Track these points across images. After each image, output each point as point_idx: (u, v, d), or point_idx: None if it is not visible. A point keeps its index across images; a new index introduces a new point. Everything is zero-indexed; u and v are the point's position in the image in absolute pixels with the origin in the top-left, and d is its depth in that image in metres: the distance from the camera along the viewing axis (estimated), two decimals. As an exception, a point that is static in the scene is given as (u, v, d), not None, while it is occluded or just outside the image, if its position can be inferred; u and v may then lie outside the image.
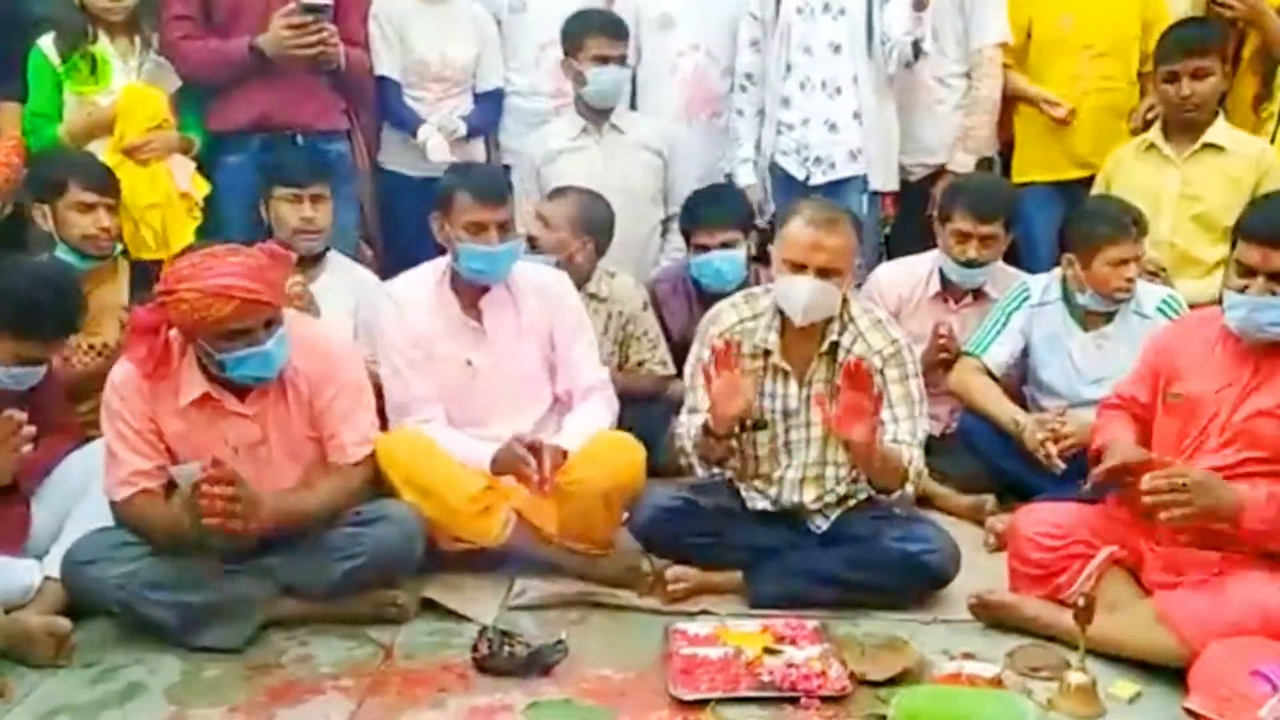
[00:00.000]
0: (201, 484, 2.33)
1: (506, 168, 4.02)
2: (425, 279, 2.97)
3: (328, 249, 3.28)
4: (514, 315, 2.95)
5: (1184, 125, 3.51)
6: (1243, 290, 2.41)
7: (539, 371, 2.97)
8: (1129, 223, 3.13)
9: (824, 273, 2.58)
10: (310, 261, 3.24)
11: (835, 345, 2.68)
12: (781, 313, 2.69)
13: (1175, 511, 2.29)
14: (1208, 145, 3.48)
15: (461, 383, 2.93)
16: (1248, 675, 1.98)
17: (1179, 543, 2.47)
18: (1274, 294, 2.37)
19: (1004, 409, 3.16)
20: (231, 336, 2.40)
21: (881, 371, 2.64)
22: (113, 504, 2.52)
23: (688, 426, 2.72)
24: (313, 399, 2.58)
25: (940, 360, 3.38)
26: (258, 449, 2.55)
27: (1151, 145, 3.56)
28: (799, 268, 2.59)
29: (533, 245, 3.28)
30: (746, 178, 3.92)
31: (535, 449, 2.66)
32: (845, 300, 2.70)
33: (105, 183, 3.03)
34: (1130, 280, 3.12)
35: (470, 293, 2.93)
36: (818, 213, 2.64)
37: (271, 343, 2.44)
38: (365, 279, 3.35)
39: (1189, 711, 2.04)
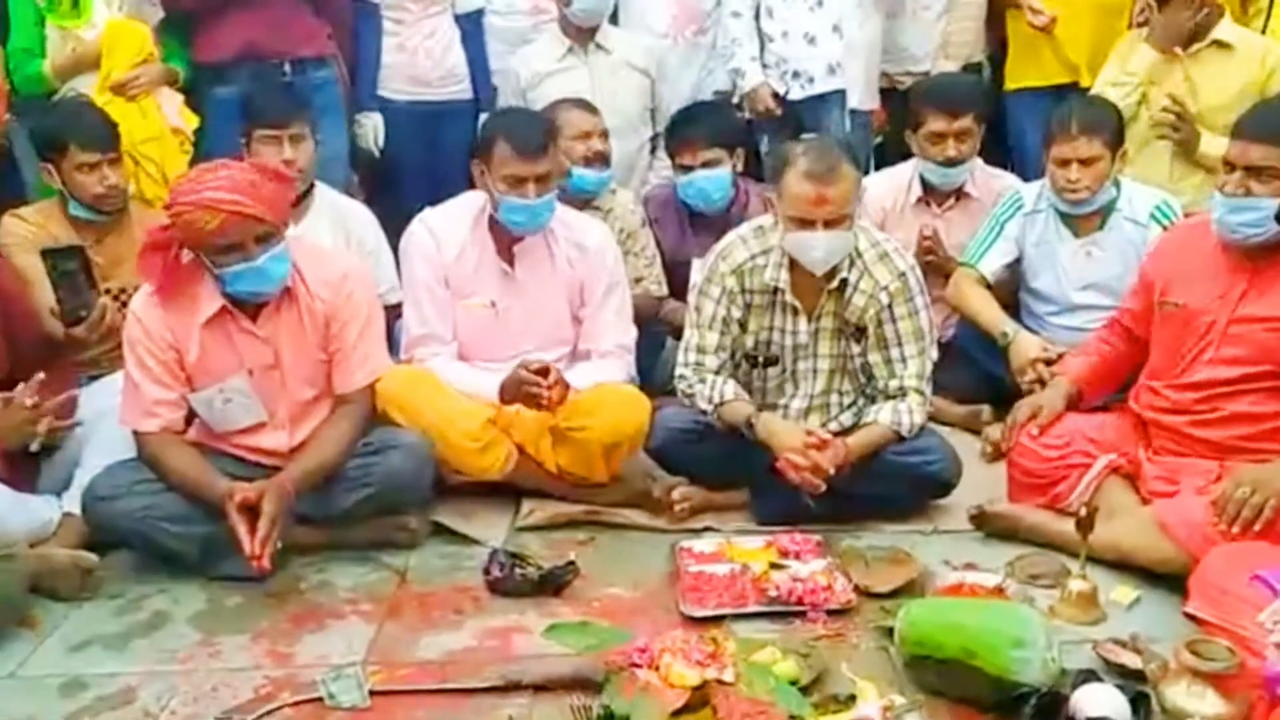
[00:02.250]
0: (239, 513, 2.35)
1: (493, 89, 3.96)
2: (463, 215, 2.94)
3: (312, 185, 3.20)
4: (548, 263, 2.93)
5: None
6: (1222, 188, 2.41)
7: (564, 321, 2.97)
8: (1066, 121, 3.10)
9: (831, 223, 2.54)
10: (295, 200, 3.14)
11: (844, 282, 2.68)
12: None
13: (1256, 516, 2.21)
14: (1215, 42, 3.44)
15: (484, 322, 2.93)
16: (1249, 580, 2.01)
17: (1176, 452, 2.52)
18: (1247, 192, 2.36)
19: (994, 321, 3.19)
20: (224, 250, 2.41)
21: (890, 307, 2.66)
22: (137, 435, 2.53)
23: (705, 389, 2.72)
24: (328, 323, 2.60)
25: (927, 263, 3.40)
26: (271, 371, 2.57)
27: None
28: (807, 224, 2.55)
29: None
30: (755, 76, 3.82)
31: (543, 371, 2.68)
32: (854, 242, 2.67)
33: (105, 138, 2.92)
34: (1073, 181, 3.08)
35: (507, 236, 2.91)
36: (815, 163, 2.52)
37: (265, 259, 2.43)
38: (355, 213, 3.29)
39: (1189, 616, 2.08)
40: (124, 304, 2.83)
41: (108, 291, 2.85)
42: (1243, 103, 3.26)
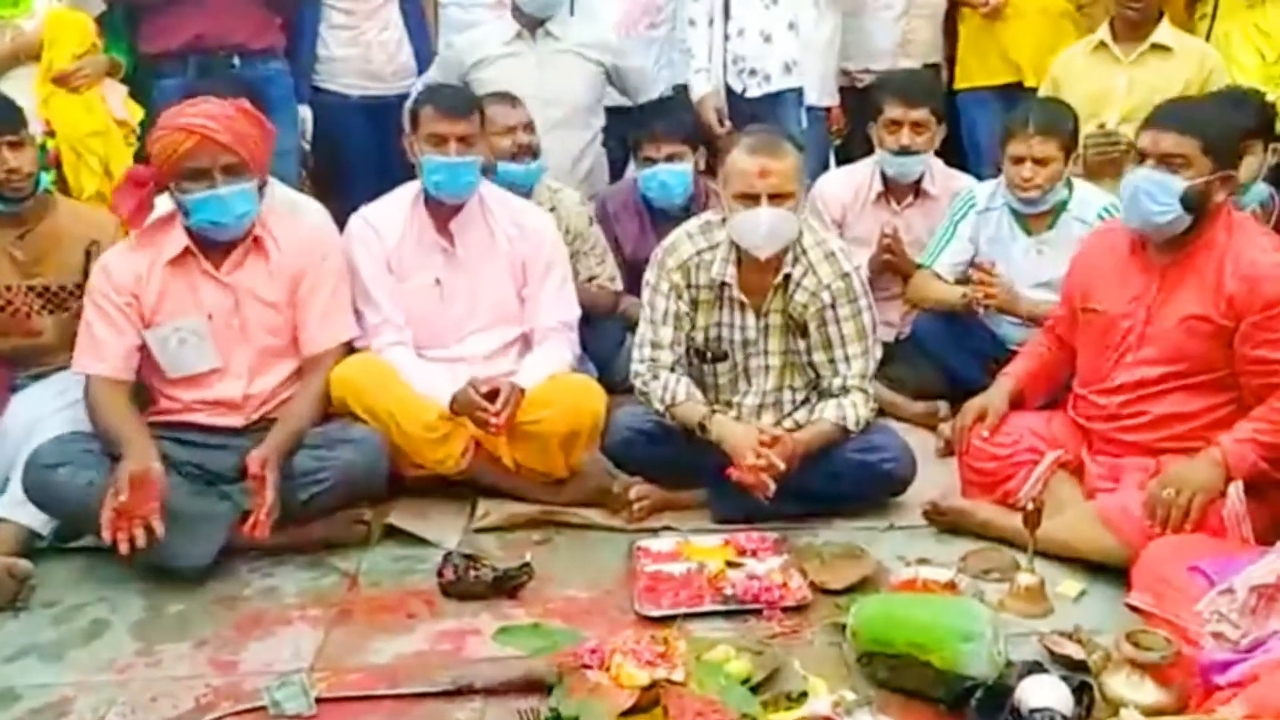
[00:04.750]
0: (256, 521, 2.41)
1: None
2: (400, 200, 2.95)
3: (265, 181, 3.15)
4: (487, 239, 2.93)
5: (1131, 26, 3.52)
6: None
7: (509, 297, 2.96)
8: (1023, 120, 3.15)
9: (776, 198, 2.56)
10: None
11: (788, 277, 2.69)
12: (737, 244, 2.67)
13: (1185, 514, 2.25)
14: (1155, 46, 3.51)
15: (429, 302, 2.91)
16: (1186, 571, 2.05)
17: (1113, 454, 2.55)
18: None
19: (952, 291, 3.28)
20: (191, 176, 2.51)
21: (833, 307, 2.68)
22: (87, 378, 2.57)
23: (658, 388, 2.70)
24: (296, 282, 2.66)
25: (887, 263, 3.42)
26: (232, 318, 2.61)
27: (1101, 44, 3.58)
28: (751, 199, 2.57)
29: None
30: (701, 88, 3.85)
31: (492, 395, 2.67)
32: (799, 230, 2.69)
33: (6, 119, 2.76)
34: (1026, 179, 3.12)
35: (442, 213, 2.91)
36: (757, 140, 2.62)
37: (229, 190, 2.53)
38: (308, 209, 3.21)
39: (1131, 606, 2.11)
40: (49, 301, 2.79)
41: (31, 289, 2.79)
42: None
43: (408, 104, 3.08)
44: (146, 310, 2.59)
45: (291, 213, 2.86)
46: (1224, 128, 2.43)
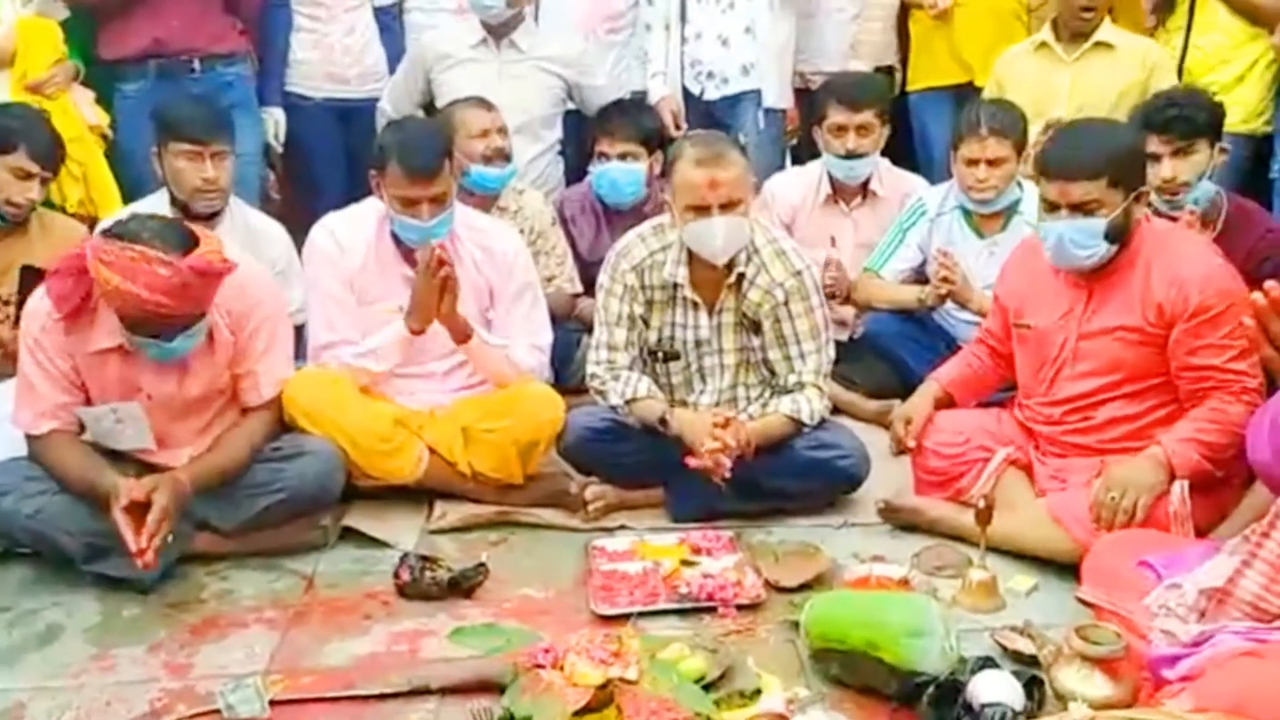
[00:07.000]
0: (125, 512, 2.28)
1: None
2: (365, 220, 2.88)
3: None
4: (454, 266, 2.87)
5: (1076, 27, 3.58)
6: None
7: (473, 320, 2.89)
8: (975, 122, 3.18)
9: (727, 206, 2.57)
10: (209, 216, 3.03)
11: (741, 276, 2.71)
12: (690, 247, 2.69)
13: (1130, 516, 2.30)
14: (1098, 44, 3.57)
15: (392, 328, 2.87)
16: (1135, 566, 2.07)
17: (1061, 455, 2.58)
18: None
19: (907, 291, 3.31)
20: (135, 329, 2.35)
21: (786, 304, 2.70)
22: (29, 438, 2.46)
23: (618, 385, 2.72)
24: (235, 336, 2.53)
25: (828, 289, 3.44)
26: (172, 398, 2.51)
27: (1043, 44, 3.64)
28: (702, 210, 2.58)
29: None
30: (659, 91, 3.89)
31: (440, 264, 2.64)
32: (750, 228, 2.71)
33: (51, 155, 2.87)
34: (981, 180, 3.16)
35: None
36: (703, 150, 2.59)
37: (179, 343, 2.39)
38: (267, 232, 3.16)
39: (1081, 601, 2.14)
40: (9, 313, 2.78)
41: (3, 302, 2.79)
42: (1125, 103, 3.38)
43: (379, 130, 2.98)
44: (83, 378, 2.46)
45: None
46: (1121, 153, 2.38)
